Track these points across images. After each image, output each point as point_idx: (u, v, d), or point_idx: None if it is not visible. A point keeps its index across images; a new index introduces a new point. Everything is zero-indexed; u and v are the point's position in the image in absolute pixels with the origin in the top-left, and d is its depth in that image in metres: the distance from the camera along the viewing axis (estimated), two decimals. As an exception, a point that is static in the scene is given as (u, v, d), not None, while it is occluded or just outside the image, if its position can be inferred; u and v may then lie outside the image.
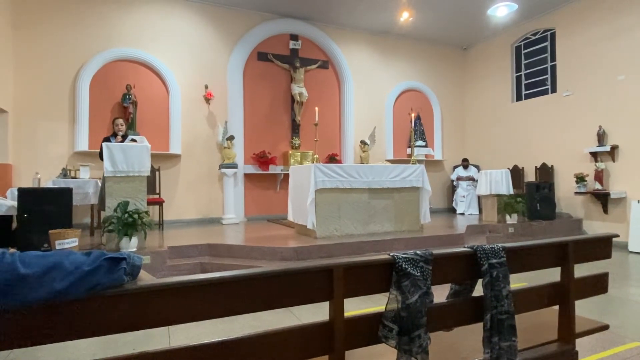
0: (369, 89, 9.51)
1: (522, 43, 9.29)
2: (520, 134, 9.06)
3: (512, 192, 7.31)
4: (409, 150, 9.49)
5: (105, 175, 4.75)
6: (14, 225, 5.02)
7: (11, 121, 6.53)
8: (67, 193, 4.91)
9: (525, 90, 9.23)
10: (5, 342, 0.95)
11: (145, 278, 1.11)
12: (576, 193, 7.57)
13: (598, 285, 1.95)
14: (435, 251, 1.49)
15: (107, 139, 5.35)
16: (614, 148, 7.12)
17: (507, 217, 7.05)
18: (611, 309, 3.69)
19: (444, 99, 10.39)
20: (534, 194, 7.33)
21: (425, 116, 10.05)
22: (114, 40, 7.34)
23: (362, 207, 5.79)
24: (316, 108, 6.96)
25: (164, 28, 7.75)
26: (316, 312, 3.18)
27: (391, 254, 1.41)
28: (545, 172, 8.34)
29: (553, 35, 8.48)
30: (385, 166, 6.13)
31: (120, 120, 5.60)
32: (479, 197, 8.57)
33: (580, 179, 7.45)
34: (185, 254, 5.07)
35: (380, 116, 9.62)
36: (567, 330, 1.79)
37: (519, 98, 9.34)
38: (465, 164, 9.51)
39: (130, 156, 4.79)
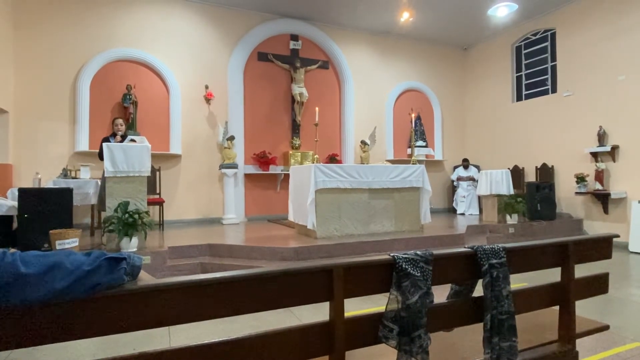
0: (369, 89, 9.51)
1: (522, 43, 9.29)
2: (520, 134, 9.06)
3: (512, 192, 7.31)
4: (409, 151, 9.48)
5: (105, 175, 4.75)
6: (15, 225, 5.03)
7: (12, 121, 6.54)
8: (67, 193, 4.91)
9: (526, 90, 9.23)
10: (5, 342, 0.95)
11: (145, 278, 1.12)
12: (576, 193, 7.57)
13: (598, 285, 1.95)
14: (436, 251, 1.49)
15: (106, 139, 5.35)
16: (615, 148, 7.12)
17: (508, 217, 7.05)
18: (611, 309, 3.68)
19: (444, 99, 10.39)
20: (535, 194, 7.32)
21: (425, 116, 10.05)
22: (115, 41, 7.35)
23: (363, 207, 5.79)
24: (316, 108, 6.96)
25: (165, 28, 7.75)
26: (316, 313, 3.18)
27: (391, 254, 1.41)
28: (546, 172, 8.33)
29: (553, 36, 8.48)
30: (386, 166, 6.13)
31: (120, 120, 5.60)
32: (479, 197, 8.57)
33: (580, 179, 7.44)
34: (186, 254, 5.07)
35: (381, 116, 9.62)
36: (568, 331, 1.79)
37: (519, 98, 9.34)
38: (465, 164, 9.50)
39: (131, 156, 4.79)
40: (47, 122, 6.85)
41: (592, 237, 1.94)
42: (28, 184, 6.13)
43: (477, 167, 9.57)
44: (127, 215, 4.46)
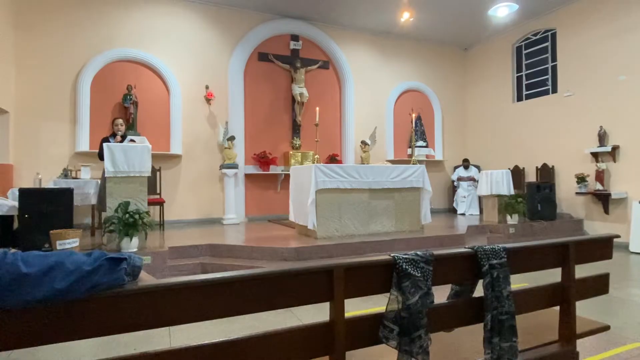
0: (369, 89, 9.51)
1: (523, 43, 9.28)
2: (521, 134, 9.05)
3: (512, 192, 7.30)
4: (409, 151, 9.48)
5: (106, 175, 4.76)
6: (15, 225, 5.04)
7: (12, 121, 6.54)
8: (68, 193, 4.91)
9: (526, 90, 9.22)
10: (6, 342, 0.95)
11: (146, 278, 1.12)
12: (577, 193, 7.56)
13: (599, 285, 1.95)
14: (436, 252, 1.49)
15: (105, 139, 5.35)
16: (615, 148, 7.11)
17: (508, 217, 7.05)
18: (612, 309, 3.68)
19: (445, 99, 10.39)
20: (535, 195, 7.32)
21: (425, 116, 10.05)
22: (115, 41, 7.35)
23: (363, 207, 5.79)
24: (317, 108, 6.96)
25: (165, 28, 7.75)
26: (317, 313, 3.18)
27: (392, 255, 1.41)
28: (546, 173, 8.33)
29: (554, 36, 8.48)
30: (386, 166, 6.13)
31: (120, 121, 5.60)
32: (479, 198, 8.57)
33: (581, 179, 7.44)
34: (186, 254, 5.07)
35: (381, 116, 9.62)
36: (568, 331, 1.79)
37: (519, 98, 9.34)
38: (466, 164, 9.50)
39: (131, 156, 4.79)
40: (48, 122, 6.85)
41: (592, 238, 1.94)
42: (29, 184, 6.14)
43: (478, 167, 9.56)
44: (127, 215, 4.46)
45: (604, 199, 7.26)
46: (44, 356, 2.79)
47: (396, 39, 9.78)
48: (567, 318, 1.79)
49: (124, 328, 1.06)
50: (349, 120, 9.22)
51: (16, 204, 4.77)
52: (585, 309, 2.98)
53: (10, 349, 0.96)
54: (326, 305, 1.32)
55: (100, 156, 5.00)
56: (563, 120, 8.13)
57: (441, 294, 1.65)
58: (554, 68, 8.48)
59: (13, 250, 0.95)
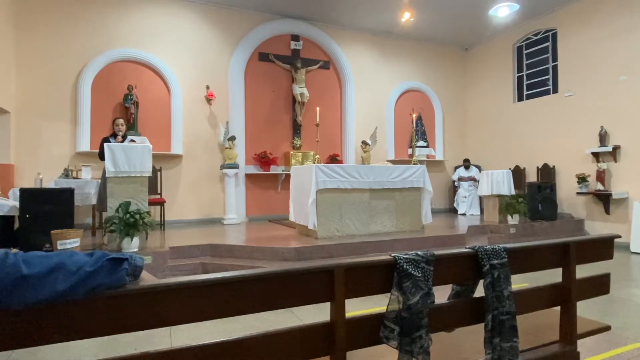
0: (370, 89, 9.51)
1: (523, 43, 9.28)
2: (521, 134, 9.05)
3: (513, 192, 7.30)
4: (410, 151, 9.48)
5: (106, 175, 4.76)
6: (16, 225, 5.04)
7: (13, 122, 6.55)
8: (68, 193, 4.92)
9: (527, 90, 9.21)
10: (7, 342, 0.95)
11: (147, 278, 1.12)
12: (578, 193, 7.55)
13: (600, 286, 1.95)
14: (437, 252, 1.49)
15: (106, 139, 5.35)
16: (616, 148, 7.11)
17: (509, 217, 7.04)
18: (613, 309, 3.68)
19: (446, 100, 10.38)
20: (536, 195, 7.31)
21: (426, 116, 10.05)
22: (116, 41, 7.36)
23: (363, 207, 5.79)
24: (317, 108, 6.96)
25: (166, 29, 7.76)
26: (317, 313, 3.18)
27: (392, 255, 1.41)
28: (547, 173, 8.32)
29: (555, 36, 8.47)
30: (387, 166, 6.12)
31: (121, 121, 5.60)
32: (480, 198, 8.56)
33: (582, 179, 7.43)
34: (187, 254, 5.07)
35: (382, 116, 9.62)
36: (569, 331, 1.78)
37: (520, 98, 9.33)
38: (466, 164, 9.49)
39: (132, 157, 4.79)
40: (49, 122, 6.86)
41: (593, 238, 1.94)
42: (30, 184, 6.14)
43: (478, 167, 9.56)
44: (128, 215, 4.47)
45: (604, 199, 7.25)
46: (44, 356, 2.79)
47: (397, 39, 9.78)
48: (568, 318, 1.79)
49: (125, 328, 1.06)
50: (349, 120, 9.22)
51: (17, 204, 4.78)
52: (586, 309, 2.97)
53: (11, 349, 0.96)
54: (326, 305, 1.32)
55: (101, 156, 5.00)
56: (564, 120, 8.12)
57: (442, 294, 1.65)
58: (555, 68, 8.48)
59: (14, 250, 0.96)
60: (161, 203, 6.93)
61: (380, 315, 1.39)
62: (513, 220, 7.02)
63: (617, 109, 7.15)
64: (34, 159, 6.67)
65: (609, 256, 1.94)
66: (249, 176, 8.30)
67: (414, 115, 7.61)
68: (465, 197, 9.08)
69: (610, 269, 2.08)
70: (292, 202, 6.32)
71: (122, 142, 5.30)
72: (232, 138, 7.82)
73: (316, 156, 6.37)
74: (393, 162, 8.62)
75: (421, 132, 9.76)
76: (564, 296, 1.80)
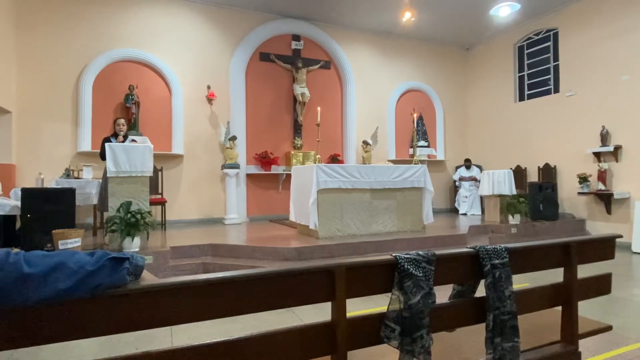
0: (371, 89, 9.51)
1: (524, 43, 9.26)
2: (523, 134, 9.04)
3: (514, 192, 7.29)
4: (411, 151, 9.47)
5: (108, 175, 4.76)
6: (18, 225, 5.05)
7: (15, 122, 6.56)
8: (70, 193, 4.93)
9: (528, 90, 9.20)
10: (9, 342, 0.95)
11: (148, 278, 1.12)
12: (579, 193, 7.54)
13: (601, 286, 1.95)
14: (438, 252, 1.49)
15: (107, 139, 5.36)
16: (618, 148, 7.09)
17: (510, 217, 7.04)
18: (614, 309, 3.67)
19: (447, 99, 10.38)
20: (537, 195, 7.30)
21: (427, 116, 10.04)
22: (117, 41, 7.37)
23: (364, 207, 5.79)
24: (318, 108, 6.95)
25: (167, 29, 7.77)
26: (318, 313, 3.18)
27: (393, 255, 1.41)
28: (548, 173, 8.31)
29: (556, 35, 8.46)
30: (388, 166, 6.12)
31: (122, 121, 5.61)
32: (481, 198, 8.55)
33: (583, 179, 7.42)
34: (188, 254, 5.08)
35: (383, 116, 9.61)
36: (570, 331, 1.78)
37: (521, 98, 9.32)
38: (467, 164, 9.49)
39: (133, 156, 4.80)
40: (50, 122, 6.87)
41: (594, 238, 1.93)
42: (31, 184, 6.15)
43: (480, 167, 9.55)
44: (129, 215, 4.47)
45: (606, 199, 7.24)
46: (46, 355, 2.79)
47: (397, 39, 9.77)
48: (569, 318, 1.79)
49: (126, 327, 1.06)
50: (350, 120, 9.22)
51: (18, 203, 4.79)
52: (588, 309, 2.97)
53: (12, 348, 0.96)
54: (327, 305, 1.32)
55: (102, 156, 5.01)
56: (565, 120, 8.11)
57: (443, 294, 1.65)
58: (556, 68, 8.46)
59: (15, 250, 0.96)
60: (162, 203, 6.94)
61: (381, 315, 1.39)
62: (514, 220, 7.01)
63: (619, 108, 7.14)
64: (35, 159, 6.68)
65: (611, 256, 1.93)
66: (249, 176, 8.31)
67: (415, 115, 7.61)
68: (466, 197, 9.07)
69: (612, 269, 2.08)
70: (292, 202, 6.32)
71: (123, 142, 5.30)
72: (233, 138, 7.82)
73: (317, 156, 6.36)
74: (394, 162, 8.62)
75: (422, 131, 9.75)
76: (565, 296, 1.79)
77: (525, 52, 9.25)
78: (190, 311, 1.12)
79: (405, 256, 1.40)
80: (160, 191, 7.09)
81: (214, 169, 8.02)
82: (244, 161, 8.22)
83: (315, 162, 5.98)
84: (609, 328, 1.95)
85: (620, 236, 1.95)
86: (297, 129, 8.79)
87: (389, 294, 1.39)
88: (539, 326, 1.95)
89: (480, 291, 1.61)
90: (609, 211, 7.26)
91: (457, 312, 1.59)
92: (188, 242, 5.27)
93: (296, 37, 8.83)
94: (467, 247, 1.60)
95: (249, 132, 8.37)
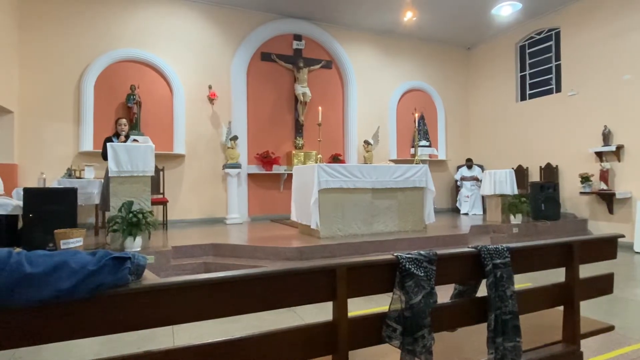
0: (372, 88, 9.50)
1: (526, 42, 9.25)
2: (524, 133, 9.02)
3: (516, 192, 7.28)
4: (412, 150, 9.46)
5: (109, 175, 4.78)
6: (20, 224, 5.06)
7: (17, 121, 6.58)
8: (72, 193, 4.94)
9: (530, 89, 9.19)
10: (11, 341, 0.95)
11: (150, 278, 1.12)
12: (581, 193, 7.52)
13: (603, 285, 1.94)
14: (439, 251, 1.48)
15: (109, 139, 5.37)
16: (620, 148, 7.08)
17: (512, 217, 7.03)
18: (616, 309, 3.66)
19: (448, 99, 10.36)
20: (539, 194, 7.29)
21: (429, 116, 10.03)
22: (119, 41, 7.38)
23: (366, 207, 5.78)
24: (319, 108, 6.96)
25: (168, 29, 7.78)
26: (319, 312, 3.18)
27: (395, 254, 1.41)
28: (550, 172, 8.29)
29: (558, 35, 8.44)
30: (389, 166, 6.12)
31: (124, 121, 5.62)
32: (483, 197, 8.54)
33: (585, 179, 7.40)
34: (189, 254, 5.08)
35: (384, 116, 9.61)
36: (572, 331, 1.78)
37: (523, 98, 9.30)
38: (469, 164, 9.47)
39: (135, 156, 4.81)
40: (52, 122, 6.89)
41: (596, 237, 1.93)
42: (33, 183, 6.17)
43: (481, 166, 9.54)
44: (131, 215, 4.48)
45: (608, 199, 7.22)
46: (47, 354, 2.80)
47: (399, 39, 9.77)
48: (571, 318, 1.78)
49: (127, 327, 1.06)
50: (351, 120, 9.22)
51: (21, 203, 4.80)
52: (589, 309, 2.96)
53: (15, 347, 0.97)
54: (328, 305, 1.32)
55: (104, 156, 5.02)
56: (567, 119, 8.09)
57: (444, 294, 1.65)
58: (558, 67, 8.45)
59: (17, 249, 0.96)
60: (164, 203, 6.95)
61: (382, 315, 1.39)
62: (516, 220, 7.00)
63: (621, 108, 7.12)
64: (37, 159, 6.70)
65: (613, 256, 1.93)
66: (251, 176, 8.31)
67: (417, 115, 7.60)
68: (467, 196, 9.06)
69: (614, 269, 2.07)
70: (294, 202, 6.32)
71: (125, 141, 5.31)
72: (235, 138, 7.83)
73: (318, 156, 6.37)
74: (395, 161, 8.62)
75: (423, 131, 9.74)
76: (567, 296, 1.79)
77: (527, 51, 9.23)
78: (191, 311, 1.12)
79: (407, 256, 1.40)
80: (161, 191, 7.10)
81: (215, 168, 8.03)
82: (245, 161, 8.23)
83: (316, 162, 5.98)
84: (611, 328, 1.95)
85: (623, 236, 1.95)
86: (298, 128, 8.79)
87: (390, 294, 1.39)
88: (541, 326, 1.95)
89: (482, 291, 1.61)
90: (611, 211, 7.25)
91: (459, 311, 1.59)
92: (189, 242, 5.27)
93: (297, 37, 8.83)
94: (468, 247, 1.60)
95: (250, 131, 8.37)
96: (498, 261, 1.55)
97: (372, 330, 1.38)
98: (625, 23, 7.08)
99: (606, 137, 7.22)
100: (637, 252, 6.41)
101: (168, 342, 2.98)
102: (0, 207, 4.91)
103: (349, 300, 1.31)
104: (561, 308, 1.83)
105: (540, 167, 8.51)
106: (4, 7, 6.15)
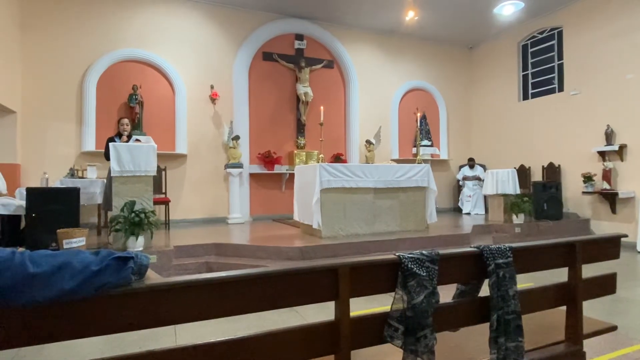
0: (374, 88, 9.49)
1: (528, 42, 9.22)
2: (527, 133, 9.00)
3: (518, 191, 7.26)
4: (414, 150, 9.45)
5: (112, 175, 4.79)
6: (23, 224, 5.08)
7: (19, 122, 6.60)
8: (74, 193, 4.95)
9: (532, 89, 9.16)
10: (14, 340, 0.96)
11: (152, 277, 1.12)
12: (584, 193, 7.50)
13: (606, 285, 1.94)
14: (441, 251, 1.48)
15: (111, 139, 5.38)
16: (622, 147, 7.05)
17: (514, 217, 7.01)
18: (619, 309, 3.65)
19: (450, 98, 10.35)
20: (541, 194, 7.27)
21: (430, 115, 10.01)
22: (121, 41, 7.39)
23: (368, 206, 5.78)
24: (321, 108, 6.96)
25: (170, 29, 7.79)
26: (320, 312, 3.18)
27: (397, 254, 1.41)
28: (552, 172, 8.27)
29: (560, 34, 8.41)
30: (391, 166, 6.11)
31: (126, 120, 5.63)
32: (485, 197, 8.53)
33: (587, 178, 7.38)
34: (191, 254, 5.09)
35: (386, 116, 9.60)
36: (575, 331, 1.77)
37: (525, 97, 9.28)
38: (471, 163, 9.46)
39: (137, 156, 4.81)
40: (55, 122, 6.91)
41: (599, 237, 1.93)
42: (36, 183, 6.18)
43: (483, 166, 9.52)
44: (133, 214, 4.49)
45: (610, 199, 7.20)
46: (50, 353, 2.81)
47: (401, 38, 9.75)
48: (574, 318, 1.78)
49: (130, 326, 1.06)
50: (353, 120, 9.21)
51: (23, 203, 4.81)
52: (592, 309, 2.95)
53: (18, 347, 0.97)
54: (329, 305, 1.32)
55: (107, 156, 5.02)
56: (569, 119, 8.07)
57: (447, 294, 1.65)
58: (560, 66, 8.42)
59: (21, 249, 0.96)
60: (166, 202, 6.96)
61: (384, 315, 1.39)
62: (518, 219, 6.98)
63: (624, 107, 7.09)
64: (40, 159, 6.72)
65: (616, 256, 1.92)
66: (253, 175, 8.32)
67: (418, 115, 7.60)
68: (469, 196, 9.05)
69: (617, 269, 2.07)
70: (296, 202, 6.32)
71: (127, 141, 5.32)
72: (236, 137, 7.84)
73: (320, 155, 6.37)
74: (397, 161, 8.62)
75: (425, 131, 9.73)
76: (570, 296, 1.79)
77: (529, 50, 9.21)
78: (194, 310, 1.12)
79: (409, 256, 1.40)
80: (163, 191, 7.11)
81: (217, 168, 8.04)
82: (247, 161, 8.23)
83: (318, 162, 5.99)
84: (613, 328, 1.94)
85: (625, 236, 1.95)
86: (300, 128, 8.79)
87: (393, 294, 1.39)
88: (543, 326, 1.94)
89: (484, 291, 1.61)
90: (613, 210, 7.22)
91: (461, 311, 1.58)
92: (192, 242, 5.28)
93: (299, 37, 8.83)
94: (470, 247, 1.60)
95: (252, 131, 8.38)
96: (500, 261, 1.55)
97: (374, 330, 1.38)
98: (628, 22, 7.05)
99: (609, 136, 7.20)
100: (640, 252, 6.39)
101: (170, 341, 2.99)
102: (3, 207, 4.92)
103: (351, 300, 1.31)
104: (564, 308, 1.83)
105: (543, 166, 8.49)
106: (6, 8, 6.17)
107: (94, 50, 7.18)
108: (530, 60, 9.20)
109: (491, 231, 6.86)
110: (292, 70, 8.74)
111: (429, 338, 1.37)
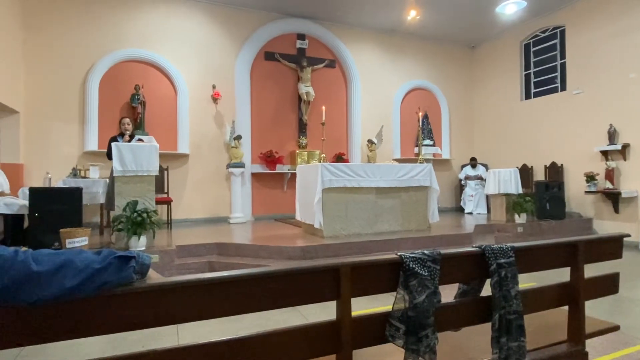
0: (376, 87, 9.48)
1: (531, 41, 9.20)
2: (529, 132, 8.97)
3: (521, 191, 7.25)
4: (416, 149, 9.44)
5: (114, 174, 4.80)
6: (26, 224, 5.10)
7: (22, 122, 6.63)
8: (77, 192, 4.97)
9: (535, 88, 9.14)
10: (16, 339, 0.96)
11: (154, 277, 1.13)
12: (586, 192, 7.48)
13: (608, 285, 1.93)
14: (443, 251, 1.48)
15: (114, 139, 5.39)
16: (625, 147, 7.02)
17: (516, 216, 6.99)
18: (622, 309, 3.64)
19: (452, 98, 10.33)
20: (543, 193, 7.25)
21: (432, 115, 10.00)
22: (123, 41, 7.41)
23: (370, 206, 5.78)
24: (323, 107, 6.96)
25: (172, 29, 7.80)
26: (321, 312, 3.18)
27: (399, 254, 1.40)
28: (555, 171, 8.25)
29: (563, 33, 8.38)
30: (393, 165, 6.11)
31: (127, 120, 5.64)
32: (487, 197, 8.51)
33: (590, 178, 7.36)
34: (194, 253, 5.10)
35: (388, 115, 9.59)
36: (577, 331, 1.77)
37: (528, 96, 9.26)
38: (473, 162, 9.44)
39: (139, 156, 4.83)
40: (57, 122, 6.93)
41: (602, 237, 1.92)
42: (39, 183, 6.21)
43: (485, 165, 9.50)
44: (135, 214, 4.50)
45: (613, 198, 7.17)
46: (53, 352, 2.82)
47: (403, 37, 9.74)
48: (576, 318, 1.78)
49: (132, 326, 1.07)
50: (355, 119, 9.21)
51: (26, 203, 4.84)
52: (595, 309, 2.95)
53: (20, 346, 0.97)
54: (331, 304, 1.32)
55: (109, 156, 5.04)
56: (572, 118, 8.04)
57: (448, 293, 1.65)
58: (563, 66, 8.39)
59: (24, 248, 0.97)
60: (168, 202, 6.97)
61: (386, 314, 1.39)
62: (520, 219, 6.97)
63: (627, 106, 7.06)
64: (42, 159, 6.74)
65: (618, 255, 1.91)
66: (255, 175, 8.32)
67: (420, 114, 7.58)
68: (472, 195, 9.03)
69: (619, 269, 2.06)
70: (298, 201, 6.32)
71: (129, 141, 5.33)
72: (238, 137, 7.85)
73: (322, 155, 6.37)
74: (399, 160, 8.61)
75: (427, 130, 9.71)
76: (572, 296, 1.78)
77: (532, 49, 9.18)
78: (195, 310, 1.13)
79: (411, 255, 1.40)
80: (166, 190, 7.13)
81: (219, 168, 8.05)
82: (249, 160, 8.24)
83: (320, 161, 5.99)
84: (616, 328, 1.94)
85: (628, 235, 1.94)
86: (302, 128, 8.79)
87: (394, 293, 1.39)
88: (546, 326, 1.94)
89: (486, 290, 1.61)
90: (616, 210, 7.20)
91: (463, 311, 1.58)
92: (194, 241, 5.29)
93: (301, 36, 8.82)
94: (472, 246, 1.60)
95: (254, 131, 8.38)
96: (502, 261, 1.55)
97: (375, 329, 1.38)
98: (631, 21, 7.02)
99: (612, 135, 7.17)
100: (643, 252, 6.37)
101: (172, 341, 3.00)
102: (6, 207, 4.95)
103: (353, 300, 1.31)
104: (566, 308, 1.82)
105: (545, 166, 8.46)
106: (8, 8, 6.19)
107: (96, 50, 7.20)
108: (532, 60, 9.17)
109: (493, 231, 6.85)
110: (294, 70, 8.74)
111: (430, 338, 1.37)
